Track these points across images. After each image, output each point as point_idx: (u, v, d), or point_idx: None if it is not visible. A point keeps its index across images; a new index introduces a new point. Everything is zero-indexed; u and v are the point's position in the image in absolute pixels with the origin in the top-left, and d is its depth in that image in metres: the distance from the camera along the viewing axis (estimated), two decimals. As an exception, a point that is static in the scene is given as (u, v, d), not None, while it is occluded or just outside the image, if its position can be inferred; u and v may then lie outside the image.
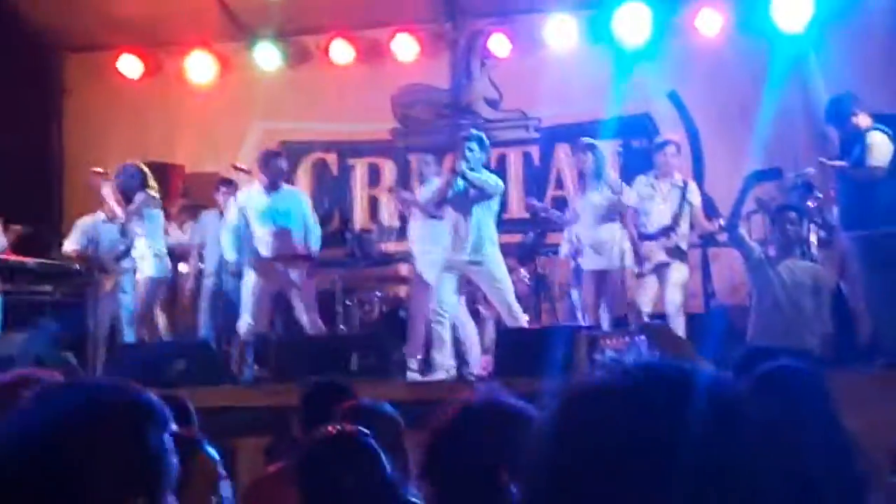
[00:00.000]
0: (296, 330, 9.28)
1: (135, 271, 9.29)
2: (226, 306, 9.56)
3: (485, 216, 8.26)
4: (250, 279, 8.89)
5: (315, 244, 9.04)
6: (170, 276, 9.68)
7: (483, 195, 8.16)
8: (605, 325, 8.67)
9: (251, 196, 8.99)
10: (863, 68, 9.55)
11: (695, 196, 8.93)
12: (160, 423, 1.66)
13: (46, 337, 8.23)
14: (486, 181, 8.16)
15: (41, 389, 1.67)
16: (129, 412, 1.61)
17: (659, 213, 8.80)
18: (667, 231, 8.74)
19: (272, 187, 8.94)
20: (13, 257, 9.24)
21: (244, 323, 8.84)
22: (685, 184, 8.94)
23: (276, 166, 9.00)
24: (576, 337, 7.09)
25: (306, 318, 8.91)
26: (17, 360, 7.40)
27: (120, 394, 1.62)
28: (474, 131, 8.65)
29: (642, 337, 6.20)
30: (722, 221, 8.79)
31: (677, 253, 8.74)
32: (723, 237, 9.08)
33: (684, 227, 8.80)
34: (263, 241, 8.91)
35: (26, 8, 11.27)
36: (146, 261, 9.25)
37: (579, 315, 9.02)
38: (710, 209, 9.38)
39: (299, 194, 9.40)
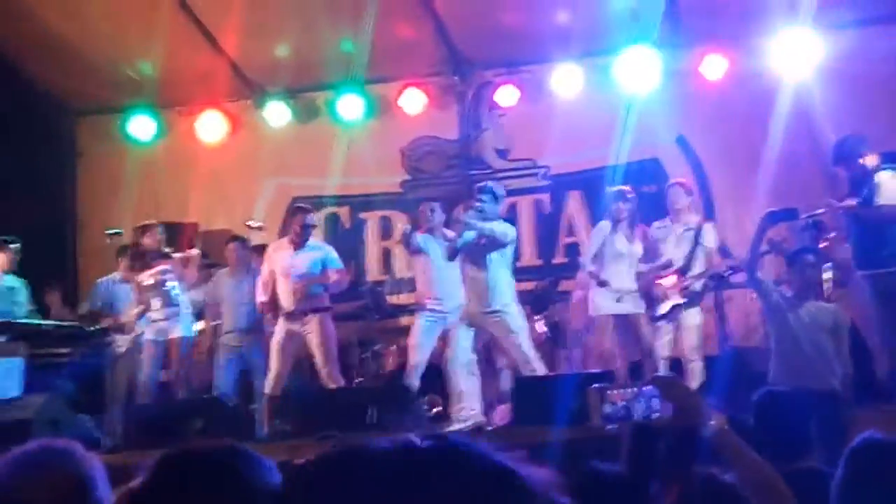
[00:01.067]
0: (314, 384, 9.30)
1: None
2: (242, 364, 9.59)
3: (500, 266, 8.26)
4: (276, 335, 8.96)
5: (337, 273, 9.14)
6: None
7: (495, 244, 8.17)
8: (622, 370, 8.66)
9: (278, 251, 9.10)
10: (866, 109, 9.60)
11: (709, 238, 8.93)
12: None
13: (63, 400, 8.24)
14: (494, 229, 8.17)
15: None
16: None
17: (672, 256, 8.82)
18: (679, 273, 8.75)
19: (299, 243, 9.05)
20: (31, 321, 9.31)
21: (270, 378, 8.91)
22: (699, 226, 8.95)
23: (303, 222, 9.11)
24: (586, 389, 7.07)
25: (325, 371, 8.94)
26: (34, 424, 7.42)
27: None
28: (490, 183, 8.70)
29: (651, 387, 6.16)
30: (732, 262, 8.83)
31: (690, 295, 8.74)
32: (737, 279, 9.08)
33: (697, 269, 8.80)
34: (287, 296, 8.97)
35: (38, 72, 11.42)
36: (181, 320, 9.37)
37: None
38: (722, 252, 9.38)
39: (324, 248, 9.46)
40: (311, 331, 8.96)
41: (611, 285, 8.66)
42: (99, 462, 2.22)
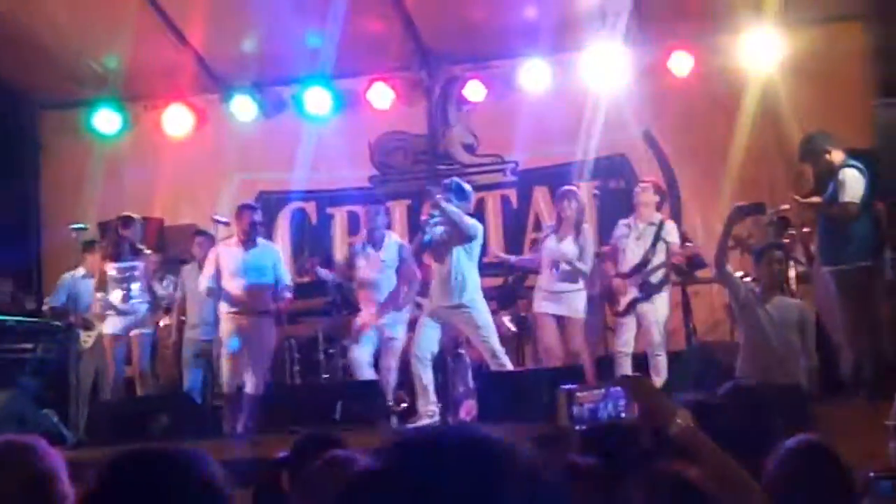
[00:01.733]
0: (280, 380, 9.27)
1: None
2: (209, 359, 9.54)
3: (466, 261, 8.30)
4: (223, 334, 8.88)
5: (285, 293, 9.06)
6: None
7: (461, 236, 8.20)
8: (589, 365, 8.70)
9: (226, 249, 9.01)
10: (833, 105, 9.68)
11: (671, 235, 8.99)
12: None
13: (28, 396, 8.18)
14: (462, 217, 8.21)
15: None
16: None
17: (631, 252, 8.89)
18: (638, 268, 8.80)
19: (247, 241, 8.96)
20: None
21: (225, 379, 8.84)
22: (661, 222, 9.00)
23: (250, 219, 9.02)
24: (554, 391, 7.10)
25: (259, 377, 8.81)
26: (-2, 420, 7.36)
27: None
28: (456, 179, 8.72)
29: (618, 388, 6.20)
30: (691, 249, 8.92)
31: (649, 288, 8.78)
32: (703, 274, 9.15)
33: (656, 262, 8.85)
34: (234, 296, 8.91)
35: (1, 65, 11.29)
36: (143, 316, 9.31)
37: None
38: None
39: (272, 249, 9.40)
40: (255, 333, 8.88)
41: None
42: (61, 458, 2.22)
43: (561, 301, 8.70)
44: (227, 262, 8.93)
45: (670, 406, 2.54)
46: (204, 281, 9.01)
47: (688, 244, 9.27)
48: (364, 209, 9.76)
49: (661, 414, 2.52)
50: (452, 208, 8.17)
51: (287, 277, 9.19)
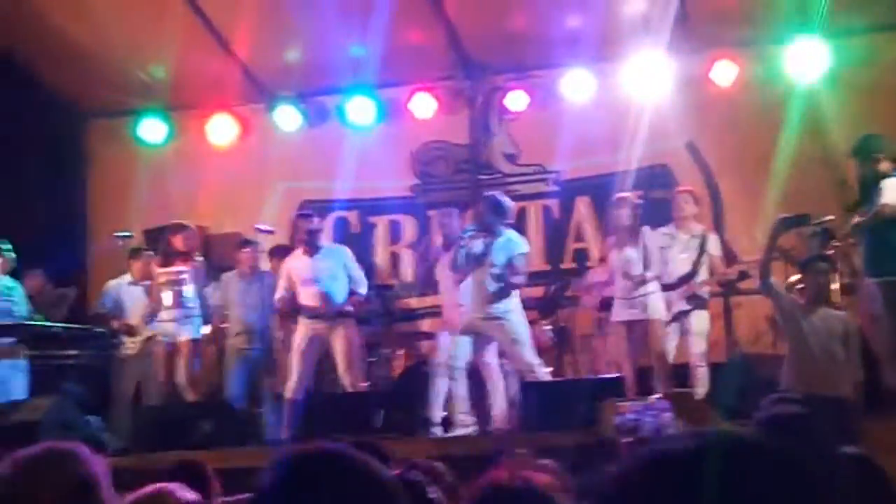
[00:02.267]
0: (321, 388, 9.31)
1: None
2: (251, 367, 9.60)
3: (505, 273, 8.29)
4: (298, 338, 8.97)
5: (359, 289, 9.19)
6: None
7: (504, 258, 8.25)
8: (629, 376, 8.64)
9: (294, 261, 9.11)
10: (878, 116, 9.58)
11: (714, 246, 8.94)
12: None
13: (72, 402, 8.26)
14: (503, 250, 8.23)
15: None
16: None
17: (679, 263, 8.82)
18: (686, 279, 8.75)
19: (311, 249, 9.05)
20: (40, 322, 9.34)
21: (291, 381, 8.90)
22: (704, 234, 8.96)
23: (308, 228, 9.14)
24: (598, 397, 7.07)
25: (347, 377, 8.94)
26: (43, 426, 7.44)
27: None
28: (493, 195, 8.72)
29: (663, 401, 6.20)
30: (741, 266, 8.84)
31: (697, 301, 8.74)
32: (745, 285, 9.08)
33: (703, 275, 8.81)
34: (311, 301, 8.99)
35: (50, 75, 11.45)
36: (191, 323, 9.38)
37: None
38: (728, 259, 9.39)
39: (341, 251, 9.47)
40: (337, 336, 8.96)
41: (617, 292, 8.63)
42: (104, 464, 2.24)
43: (634, 305, 8.56)
44: (297, 273, 9.04)
45: (716, 421, 2.50)
46: (278, 294, 9.17)
47: (736, 264, 9.17)
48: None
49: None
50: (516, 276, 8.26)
51: (360, 276, 9.27)
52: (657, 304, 8.49)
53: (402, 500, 1.65)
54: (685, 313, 8.73)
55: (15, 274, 9.32)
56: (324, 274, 9.03)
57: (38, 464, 2.16)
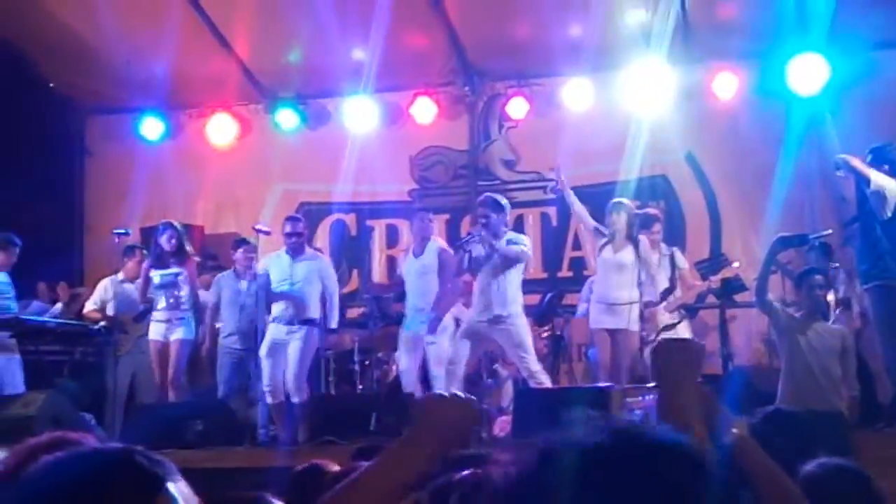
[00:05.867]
0: (316, 391, 9.29)
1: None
2: (243, 367, 9.57)
3: (512, 276, 8.24)
4: (267, 343, 8.92)
5: (332, 317, 9.11)
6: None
7: (509, 262, 8.18)
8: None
9: (274, 260, 9.08)
10: (878, 131, 9.57)
11: (681, 260, 9.21)
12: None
13: (65, 397, 8.25)
14: (508, 252, 8.17)
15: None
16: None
17: (659, 281, 8.84)
18: (665, 295, 8.81)
19: (292, 253, 9.02)
20: (37, 318, 9.33)
21: (264, 387, 8.85)
22: (672, 251, 9.19)
23: (285, 230, 9.10)
24: (608, 397, 7.04)
25: (295, 384, 8.79)
26: (36, 421, 7.42)
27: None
28: (489, 195, 8.65)
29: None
30: (710, 281, 8.92)
31: (687, 311, 8.83)
32: (741, 298, 9.10)
33: (679, 290, 8.99)
34: (279, 306, 8.97)
35: (50, 71, 11.46)
36: (184, 323, 9.33)
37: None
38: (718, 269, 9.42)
39: (318, 259, 9.40)
40: (293, 341, 8.90)
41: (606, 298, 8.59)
42: None
43: (616, 313, 8.45)
44: (274, 272, 9.02)
45: (726, 415, 2.46)
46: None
47: (708, 280, 9.20)
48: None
49: (716, 423, 2.44)
50: (510, 248, 8.16)
51: (334, 299, 9.14)
52: (635, 316, 8.45)
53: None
54: (672, 327, 8.73)
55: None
56: (297, 279, 8.98)
57: (46, 453, 2.15)
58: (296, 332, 8.87)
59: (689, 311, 8.98)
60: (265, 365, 8.85)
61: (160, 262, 9.33)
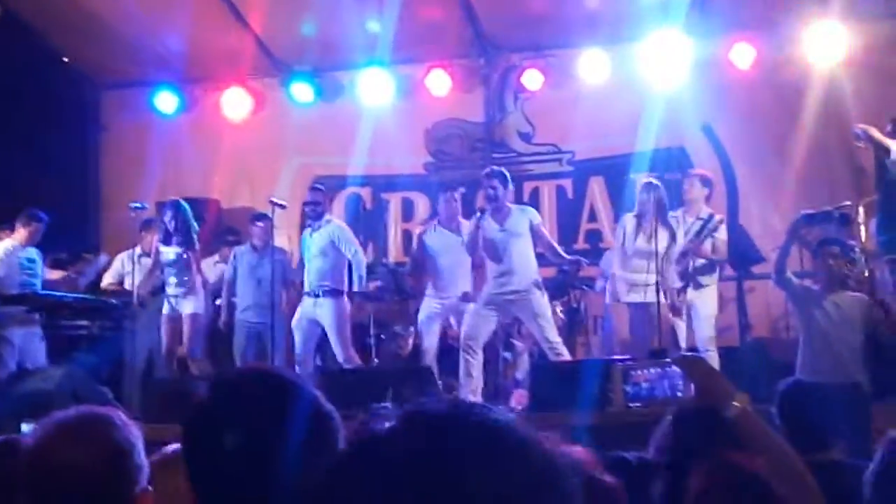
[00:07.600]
0: (333, 363, 9.32)
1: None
2: (260, 340, 9.60)
3: (526, 248, 8.25)
4: (296, 316, 9.08)
5: (358, 277, 9.18)
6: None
7: (517, 234, 8.21)
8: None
9: (300, 234, 9.24)
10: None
11: (720, 231, 8.81)
12: None
13: (84, 371, 8.28)
14: (520, 222, 8.20)
15: None
16: None
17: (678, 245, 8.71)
18: (680, 259, 8.59)
19: (310, 224, 9.11)
20: (54, 292, 9.38)
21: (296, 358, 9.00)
22: (710, 217, 8.81)
23: (312, 200, 9.22)
24: (610, 369, 7.05)
25: (341, 354, 8.96)
26: (55, 395, 7.45)
27: None
28: (495, 168, 8.64)
29: (675, 368, 6.16)
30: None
31: (692, 280, 8.62)
32: (760, 269, 9.04)
33: (700, 258, 8.71)
34: (306, 278, 9.09)
35: (65, 45, 11.45)
36: (195, 297, 9.38)
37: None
38: (745, 242, 9.32)
39: (334, 226, 9.42)
40: (324, 312, 8.99)
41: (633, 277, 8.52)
42: (138, 429, 2.26)
43: (638, 290, 8.41)
44: (301, 245, 9.31)
45: (728, 388, 2.46)
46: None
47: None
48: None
49: (718, 395, 2.44)
50: (508, 221, 8.30)
51: (358, 258, 9.25)
52: (654, 292, 8.35)
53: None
54: (682, 290, 8.59)
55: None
56: (315, 250, 9.06)
57: (73, 429, 2.18)
58: (322, 304, 8.96)
59: (693, 278, 8.76)
60: (296, 336, 9.08)
61: (167, 239, 9.39)
